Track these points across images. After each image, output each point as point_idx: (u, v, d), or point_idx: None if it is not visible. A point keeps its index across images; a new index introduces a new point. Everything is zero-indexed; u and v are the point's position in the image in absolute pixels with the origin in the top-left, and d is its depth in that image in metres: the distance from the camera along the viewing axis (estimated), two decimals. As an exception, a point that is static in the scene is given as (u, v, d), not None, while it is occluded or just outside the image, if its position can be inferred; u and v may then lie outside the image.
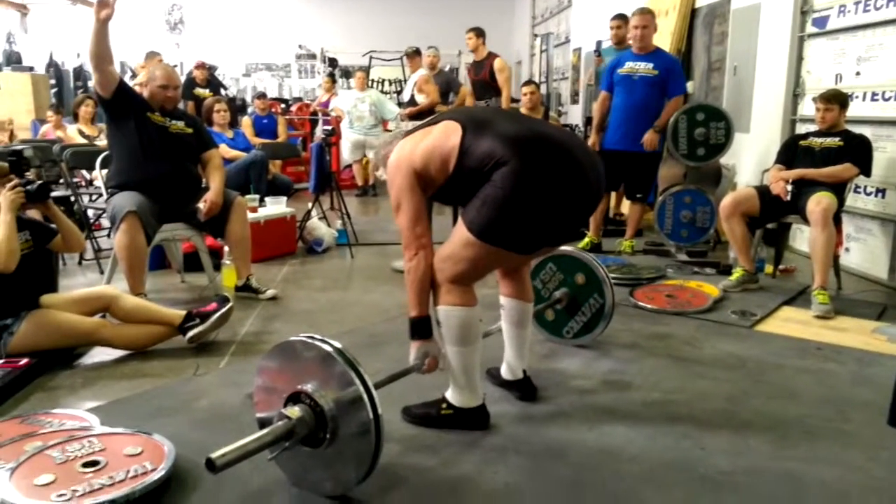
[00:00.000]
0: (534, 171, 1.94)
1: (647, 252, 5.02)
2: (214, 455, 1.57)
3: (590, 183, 2.05)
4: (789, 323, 3.40)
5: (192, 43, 12.96)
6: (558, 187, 1.98)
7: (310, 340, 1.79)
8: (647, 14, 4.84)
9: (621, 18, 5.53)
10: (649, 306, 3.60)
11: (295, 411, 1.75)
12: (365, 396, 1.70)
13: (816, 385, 2.65)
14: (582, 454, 2.10)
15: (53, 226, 3.00)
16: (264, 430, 1.74)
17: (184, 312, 3.00)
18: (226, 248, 3.98)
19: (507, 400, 2.46)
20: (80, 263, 4.60)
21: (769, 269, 4.30)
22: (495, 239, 2.01)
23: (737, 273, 3.95)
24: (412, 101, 7.24)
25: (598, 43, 6.63)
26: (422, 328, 2.12)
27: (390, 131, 7.82)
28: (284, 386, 1.82)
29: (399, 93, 8.05)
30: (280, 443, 1.74)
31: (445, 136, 2.05)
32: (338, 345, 1.77)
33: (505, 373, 2.51)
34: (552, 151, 1.99)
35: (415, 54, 7.42)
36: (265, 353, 1.94)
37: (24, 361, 2.66)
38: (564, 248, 2.98)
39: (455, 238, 2.08)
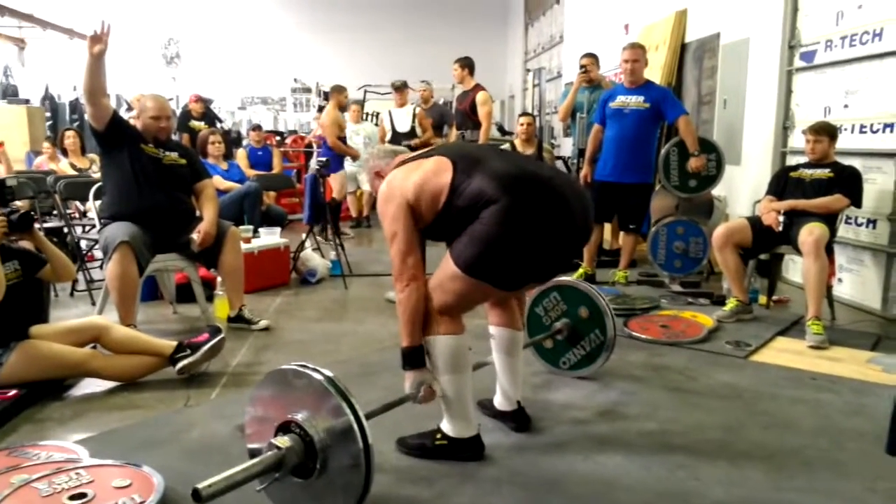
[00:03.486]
0: (521, 209, 1.95)
1: (641, 283, 5.02)
2: (201, 486, 1.54)
3: (576, 222, 2.06)
4: (784, 353, 3.39)
5: (188, 76, 13.07)
6: (544, 226, 1.99)
7: (301, 369, 1.78)
8: (637, 48, 4.91)
9: (592, 57, 5.63)
10: (644, 336, 3.59)
11: (284, 441, 1.73)
12: (356, 427, 1.68)
13: (812, 415, 2.63)
14: (577, 485, 2.07)
15: (44, 255, 2.98)
16: (253, 461, 1.71)
17: (175, 343, 2.97)
18: (218, 279, 3.97)
19: (502, 430, 2.44)
20: (71, 294, 4.57)
21: (763, 299, 4.30)
22: (481, 274, 2.02)
23: (731, 303, 3.95)
24: (413, 132, 7.36)
25: (566, 86, 6.67)
26: (414, 358, 2.11)
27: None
28: (275, 415, 1.80)
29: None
30: (269, 473, 1.71)
31: (437, 173, 2.07)
32: (329, 373, 1.76)
33: (499, 403, 2.49)
34: (540, 191, 2.00)
35: (402, 87, 7.54)
36: (258, 382, 1.92)
37: (12, 393, 2.63)
38: (571, 279, 3.00)
39: (443, 270, 2.09)
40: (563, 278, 2.90)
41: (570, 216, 2.04)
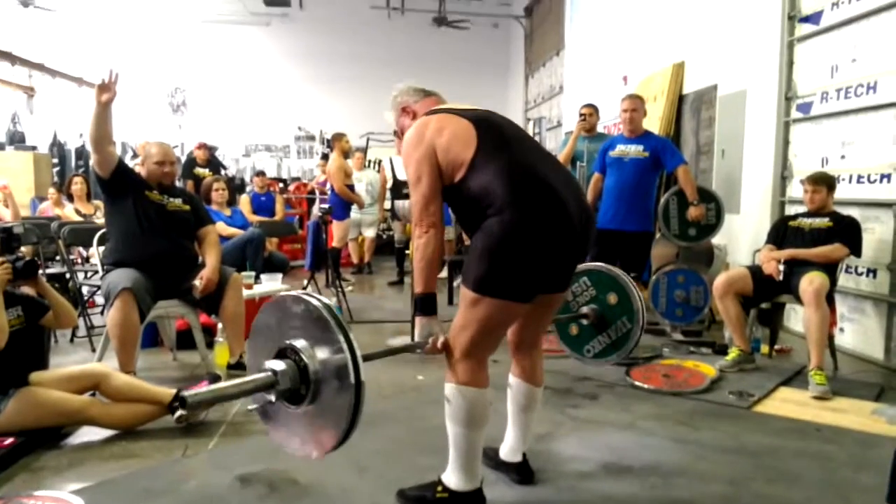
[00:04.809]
0: (524, 224, 1.99)
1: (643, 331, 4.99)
2: (187, 393, 1.57)
3: (577, 233, 2.09)
4: (787, 404, 3.37)
5: (193, 124, 13.26)
6: (546, 240, 2.02)
7: (302, 296, 1.79)
8: (636, 99, 5.00)
9: (591, 107, 5.74)
10: (646, 386, 3.57)
11: (279, 365, 1.74)
12: (350, 363, 1.67)
13: (817, 468, 2.60)
14: (581, 540, 2.04)
15: (46, 302, 2.99)
16: (245, 378, 1.73)
17: (174, 391, 2.95)
18: (219, 326, 3.96)
19: (505, 483, 2.41)
20: (71, 341, 4.56)
21: (765, 349, 4.28)
22: (494, 289, 2.02)
23: (733, 353, 3.93)
24: None
25: (566, 135, 6.77)
26: (427, 305, 2.12)
27: (387, 210, 7.92)
28: (275, 340, 1.82)
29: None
30: (258, 392, 1.74)
31: (463, 143, 2.08)
32: (328, 302, 1.76)
33: (504, 454, 2.47)
34: (545, 204, 2.02)
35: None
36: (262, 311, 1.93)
37: (9, 441, 2.60)
38: (601, 264, 3.00)
39: (462, 305, 2.11)
40: (589, 265, 2.94)
41: (569, 226, 2.06)
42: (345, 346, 1.68)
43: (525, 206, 2.00)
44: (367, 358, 1.76)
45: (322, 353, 1.72)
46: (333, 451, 1.75)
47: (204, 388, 1.61)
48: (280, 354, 1.78)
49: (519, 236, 1.99)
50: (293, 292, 1.83)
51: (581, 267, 2.93)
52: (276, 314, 1.86)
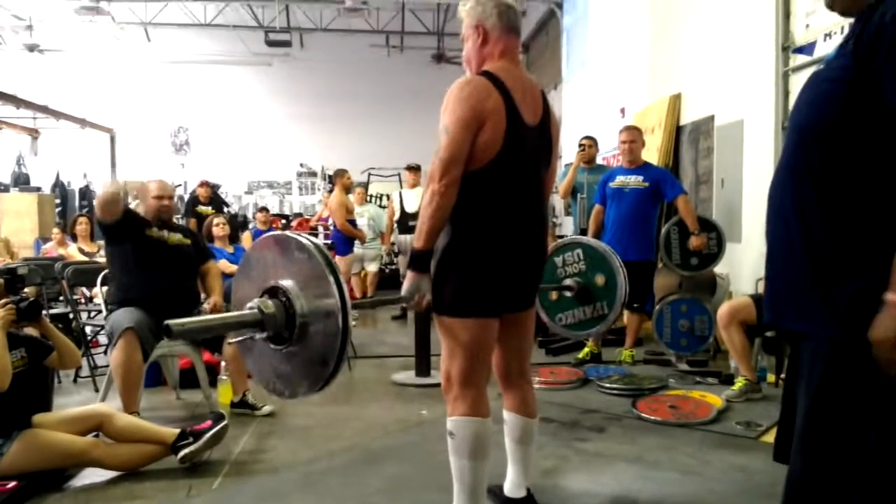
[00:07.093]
0: (479, 254, 2.09)
1: (648, 362, 4.98)
2: (172, 322, 1.58)
3: (525, 266, 2.21)
4: (796, 433, 3.33)
5: (196, 163, 13.39)
6: (497, 266, 2.11)
7: (305, 242, 1.79)
8: (634, 130, 5.06)
9: (590, 139, 5.81)
10: (653, 418, 3.54)
11: (269, 305, 1.73)
12: (339, 308, 1.67)
13: (829, 498, 2.57)
14: (590, 577, 2.01)
15: (50, 342, 2.99)
16: (232, 313, 1.75)
17: (177, 431, 2.94)
18: (222, 364, 3.95)
19: (511, 519, 2.38)
20: (75, 381, 4.54)
21: (771, 377, 4.25)
22: (466, 309, 2.09)
23: (739, 382, 3.91)
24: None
25: (565, 166, 6.82)
26: (421, 262, 2.11)
27: (393, 244, 7.95)
28: (267, 276, 1.81)
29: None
30: (243, 329, 1.74)
31: (485, 151, 2.05)
32: (321, 244, 1.77)
33: (508, 490, 2.44)
34: (505, 246, 2.12)
35: (416, 169, 7.75)
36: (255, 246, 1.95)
37: (11, 484, 2.58)
38: (599, 242, 3.04)
39: (442, 337, 2.16)
40: (589, 240, 3.04)
41: (517, 262, 2.17)
42: (335, 290, 1.69)
43: (485, 246, 2.10)
44: (355, 306, 1.78)
45: (310, 296, 1.73)
46: (310, 394, 1.78)
47: (189, 319, 1.69)
48: (268, 293, 1.78)
49: (475, 262, 2.09)
50: (295, 235, 1.85)
51: (578, 238, 3.09)
52: (268, 250, 1.87)
